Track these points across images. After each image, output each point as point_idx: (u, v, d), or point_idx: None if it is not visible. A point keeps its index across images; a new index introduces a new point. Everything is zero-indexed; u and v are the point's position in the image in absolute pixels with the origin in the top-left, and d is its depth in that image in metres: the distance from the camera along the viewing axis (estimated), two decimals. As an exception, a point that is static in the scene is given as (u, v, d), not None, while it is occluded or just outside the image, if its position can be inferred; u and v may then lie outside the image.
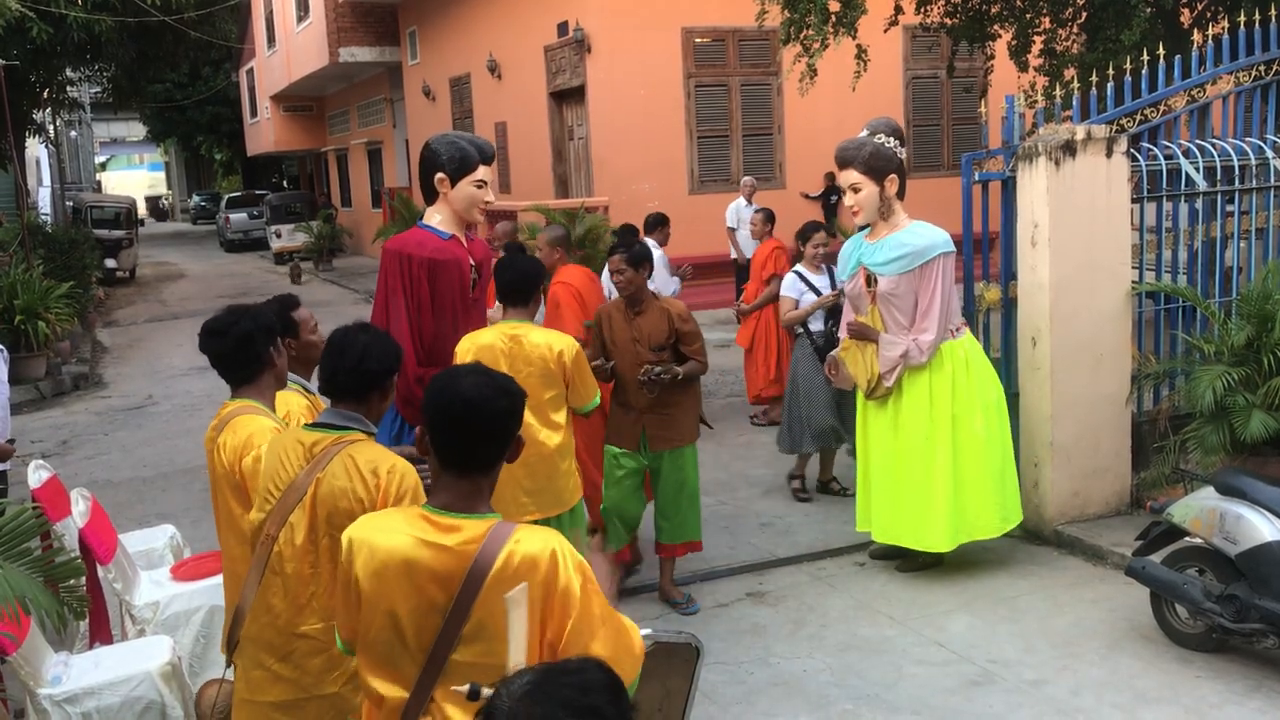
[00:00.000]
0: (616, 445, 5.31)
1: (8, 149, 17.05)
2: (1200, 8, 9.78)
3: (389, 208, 20.99)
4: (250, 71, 34.19)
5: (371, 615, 2.33)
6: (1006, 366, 6.26)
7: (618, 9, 14.58)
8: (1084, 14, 10.11)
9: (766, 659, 4.86)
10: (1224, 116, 7.06)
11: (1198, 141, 6.56)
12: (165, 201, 59.10)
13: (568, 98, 15.97)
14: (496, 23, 17.81)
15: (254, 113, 35.03)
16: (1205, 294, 6.41)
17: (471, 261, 4.69)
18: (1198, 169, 6.35)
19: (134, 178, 64.58)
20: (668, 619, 5.29)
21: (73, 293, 13.56)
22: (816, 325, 6.91)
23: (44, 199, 26.00)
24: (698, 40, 15.02)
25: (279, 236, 27.00)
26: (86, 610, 4.04)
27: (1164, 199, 6.39)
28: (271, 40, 29.24)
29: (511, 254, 5.40)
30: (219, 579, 3.90)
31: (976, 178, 6.36)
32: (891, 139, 5.53)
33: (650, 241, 8.81)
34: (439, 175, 4.57)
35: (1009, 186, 6.21)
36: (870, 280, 5.61)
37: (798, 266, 7.12)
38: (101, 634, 4.63)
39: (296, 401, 3.61)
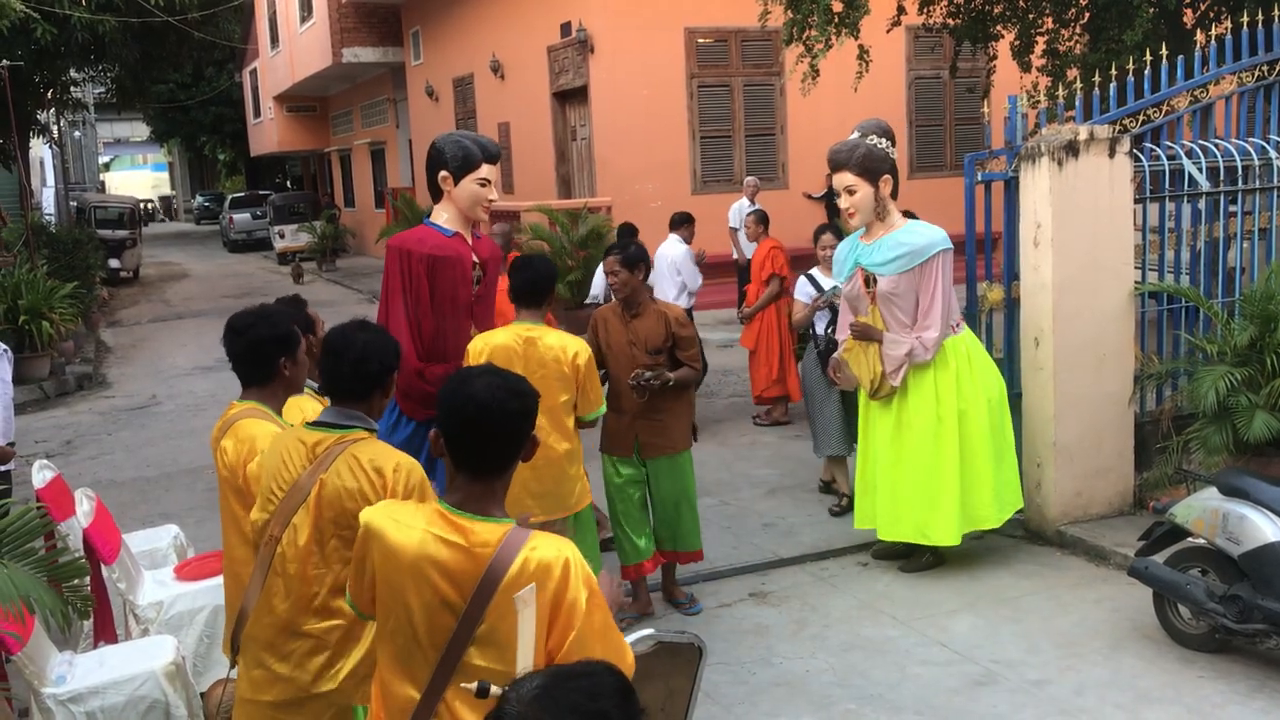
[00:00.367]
0: (610, 452, 5.25)
1: (12, 149, 17.08)
2: (1203, 8, 9.77)
3: (392, 208, 20.96)
4: (254, 72, 34.22)
5: (390, 605, 2.37)
6: (1009, 366, 6.26)
7: (621, 9, 14.58)
8: (1087, 14, 10.12)
9: (769, 659, 4.86)
10: (1227, 117, 7.07)
11: (1200, 142, 6.56)
12: (173, 201, 59.23)
13: (571, 98, 15.97)
14: (499, 23, 17.82)
15: (257, 113, 35.05)
16: (1208, 294, 6.40)
17: (475, 259, 4.71)
18: (1200, 169, 6.35)
19: (138, 178, 64.60)
20: (670, 619, 5.29)
21: (77, 293, 13.58)
22: (821, 328, 6.91)
23: (48, 199, 25.99)
24: (700, 40, 15.01)
25: (282, 237, 27.04)
26: (90, 610, 4.05)
27: (1167, 199, 6.39)
28: (275, 40, 29.26)
29: (526, 255, 5.40)
30: (222, 579, 3.91)
31: (979, 178, 6.36)
32: (883, 140, 5.53)
33: (675, 237, 8.84)
34: (443, 173, 4.61)
35: (1011, 187, 6.21)
36: (869, 281, 5.62)
37: (812, 270, 7.11)
38: (106, 633, 4.64)
39: (311, 408, 3.59)
